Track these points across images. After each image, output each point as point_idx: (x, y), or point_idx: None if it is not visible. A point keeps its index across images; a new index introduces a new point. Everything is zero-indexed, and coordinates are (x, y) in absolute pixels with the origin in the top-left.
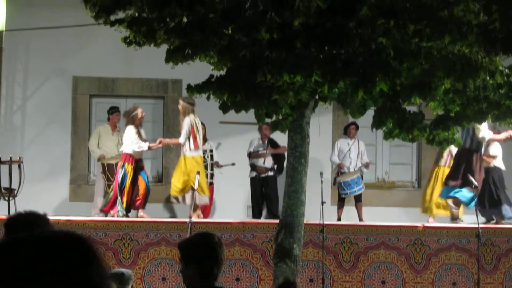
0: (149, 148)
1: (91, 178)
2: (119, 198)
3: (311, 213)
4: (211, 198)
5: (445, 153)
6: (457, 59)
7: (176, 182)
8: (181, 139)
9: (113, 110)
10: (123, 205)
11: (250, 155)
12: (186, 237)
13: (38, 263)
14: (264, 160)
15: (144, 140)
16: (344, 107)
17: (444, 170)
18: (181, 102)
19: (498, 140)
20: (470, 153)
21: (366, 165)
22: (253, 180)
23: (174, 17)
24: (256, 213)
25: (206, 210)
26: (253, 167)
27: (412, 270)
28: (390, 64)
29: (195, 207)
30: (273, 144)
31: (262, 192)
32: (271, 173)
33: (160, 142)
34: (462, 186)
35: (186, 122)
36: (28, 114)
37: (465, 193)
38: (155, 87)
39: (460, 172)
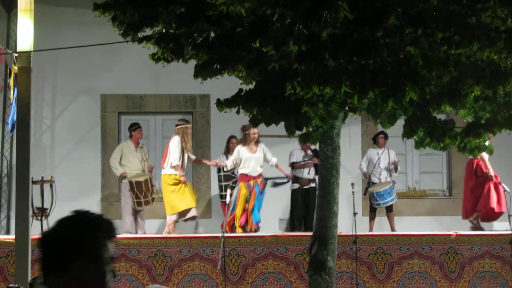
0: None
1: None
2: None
3: (343, 224)
4: (246, 213)
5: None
6: (486, 65)
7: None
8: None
9: (135, 127)
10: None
11: (293, 165)
12: None
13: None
14: (309, 170)
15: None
16: (374, 118)
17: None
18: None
19: None
20: None
21: (395, 165)
22: (294, 192)
23: (201, 33)
24: (297, 226)
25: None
26: (296, 179)
27: (446, 279)
28: (419, 72)
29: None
30: (318, 154)
31: (304, 204)
32: (313, 185)
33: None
34: None
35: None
36: (57, 133)
37: None
38: (183, 103)
39: None
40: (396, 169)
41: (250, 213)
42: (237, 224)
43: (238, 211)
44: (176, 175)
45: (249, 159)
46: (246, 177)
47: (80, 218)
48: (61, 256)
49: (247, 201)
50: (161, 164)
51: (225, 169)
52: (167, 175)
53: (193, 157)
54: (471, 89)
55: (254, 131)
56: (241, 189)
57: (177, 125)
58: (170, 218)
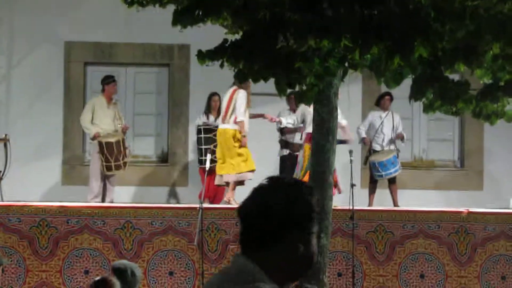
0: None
1: (87, 158)
2: None
3: (339, 197)
4: None
5: None
6: (507, 19)
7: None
8: None
9: (109, 80)
10: None
11: (282, 130)
12: None
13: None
14: (301, 135)
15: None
16: (377, 76)
17: None
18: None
19: None
20: None
21: (400, 136)
22: (284, 158)
23: None
24: None
25: (218, 195)
26: (285, 144)
27: (455, 262)
28: (431, 26)
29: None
30: None
31: (293, 172)
32: None
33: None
34: None
35: None
36: (14, 86)
37: None
38: (159, 54)
39: None
40: (402, 139)
41: None
42: None
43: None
44: (237, 130)
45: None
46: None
47: (286, 185)
48: (274, 226)
49: None
50: (223, 117)
51: (281, 125)
52: (233, 130)
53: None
54: (489, 46)
55: None
56: (305, 150)
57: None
58: (232, 180)
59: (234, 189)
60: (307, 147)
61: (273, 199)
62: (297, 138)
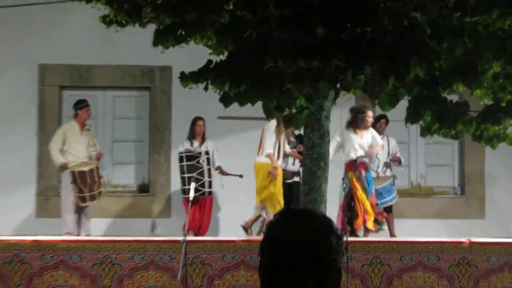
0: None
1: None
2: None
3: None
4: (209, 211)
5: None
6: (508, 36)
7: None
8: None
9: (82, 105)
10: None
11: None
12: None
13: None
14: (293, 161)
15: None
16: (371, 98)
17: None
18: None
19: None
20: None
21: (396, 160)
22: None
23: None
24: None
25: (203, 226)
26: None
27: None
28: (427, 44)
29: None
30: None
31: (285, 201)
32: (297, 179)
33: None
34: None
35: None
36: None
37: None
38: (139, 76)
39: None
40: (400, 162)
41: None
42: (362, 219)
43: (365, 203)
44: (269, 164)
45: (360, 145)
46: (354, 165)
47: (320, 218)
48: (325, 262)
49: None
50: (258, 150)
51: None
52: (262, 164)
53: (288, 149)
54: (489, 65)
55: (371, 114)
56: (352, 179)
57: None
58: (256, 208)
59: (253, 220)
60: (352, 175)
61: (321, 233)
62: (289, 165)
